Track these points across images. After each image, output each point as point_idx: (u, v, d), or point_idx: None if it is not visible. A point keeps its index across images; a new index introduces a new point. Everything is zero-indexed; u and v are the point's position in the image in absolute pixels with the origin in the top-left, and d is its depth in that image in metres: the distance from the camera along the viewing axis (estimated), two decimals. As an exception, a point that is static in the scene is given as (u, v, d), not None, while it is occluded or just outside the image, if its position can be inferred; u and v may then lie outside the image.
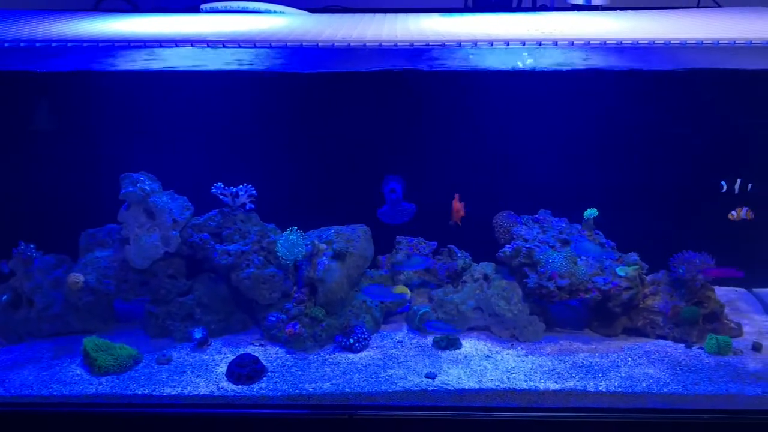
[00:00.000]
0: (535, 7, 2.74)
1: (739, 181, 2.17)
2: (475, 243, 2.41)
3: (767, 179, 2.32)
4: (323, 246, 2.23)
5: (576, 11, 2.50)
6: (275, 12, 2.45)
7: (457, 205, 2.24)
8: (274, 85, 2.28)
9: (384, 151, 2.46)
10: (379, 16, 2.29)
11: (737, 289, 2.59)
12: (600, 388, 2.02)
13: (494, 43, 1.68)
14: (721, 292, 2.52)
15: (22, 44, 1.73)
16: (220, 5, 2.50)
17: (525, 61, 1.92)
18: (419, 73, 2.15)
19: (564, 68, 1.99)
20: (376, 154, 2.46)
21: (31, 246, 2.23)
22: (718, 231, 2.42)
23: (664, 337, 2.28)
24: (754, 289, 2.57)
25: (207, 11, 2.49)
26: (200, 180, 2.24)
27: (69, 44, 1.73)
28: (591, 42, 1.70)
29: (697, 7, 2.73)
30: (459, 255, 2.36)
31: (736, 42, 1.68)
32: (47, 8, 2.54)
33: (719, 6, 2.66)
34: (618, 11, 2.45)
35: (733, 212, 2.21)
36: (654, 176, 2.42)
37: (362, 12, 2.42)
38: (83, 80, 2.14)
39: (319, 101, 2.39)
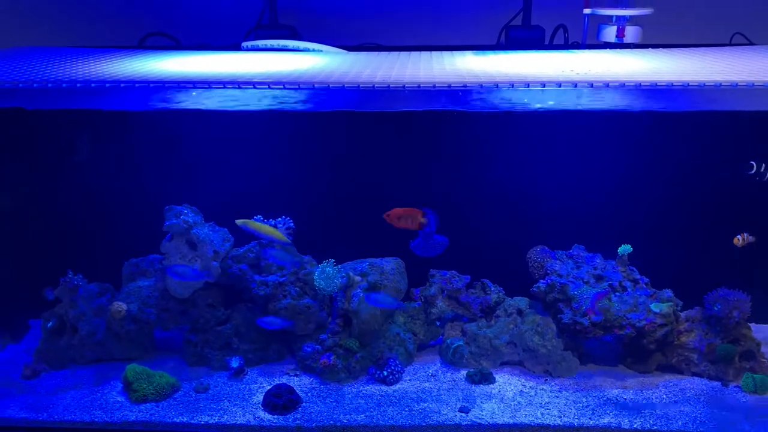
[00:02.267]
0: (567, 45, 2.78)
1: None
2: (508, 277, 2.42)
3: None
4: (358, 278, 2.27)
5: (608, 49, 2.54)
6: (314, 50, 2.53)
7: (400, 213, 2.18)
8: (314, 124, 2.35)
9: (419, 185, 2.51)
10: (414, 54, 2.35)
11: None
12: (635, 426, 2.01)
13: (531, 84, 1.73)
14: (757, 329, 2.51)
15: (78, 85, 1.82)
16: (260, 43, 2.59)
17: (557, 101, 1.96)
18: (457, 114, 2.20)
19: (599, 108, 2.02)
20: (411, 188, 2.50)
21: (79, 275, 2.31)
22: (753, 268, 2.42)
23: (700, 375, 2.27)
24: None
25: (248, 49, 2.57)
26: (240, 213, 2.31)
27: (122, 85, 1.82)
28: (626, 84, 1.74)
29: (729, 44, 2.76)
30: (492, 289, 2.38)
31: None
32: (92, 45, 2.66)
33: (752, 43, 2.68)
34: (650, 49, 2.49)
35: (738, 237, 2.20)
36: (688, 213, 2.43)
37: (396, 50, 2.49)
38: (136, 119, 2.23)
39: (357, 139, 2.45)
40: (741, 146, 2.37)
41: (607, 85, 1.71)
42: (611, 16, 2.61)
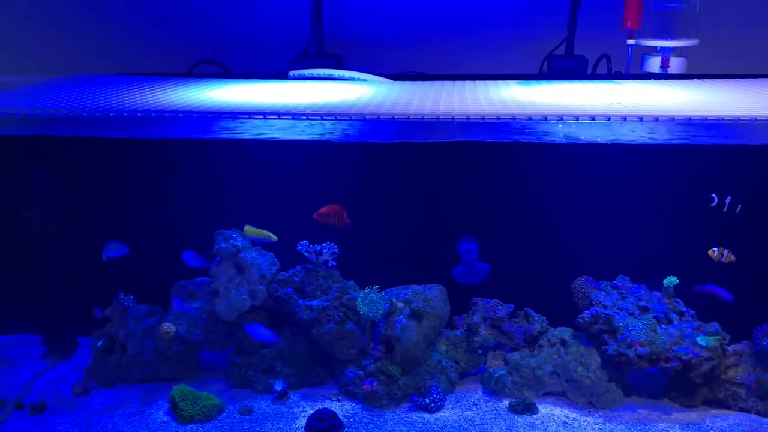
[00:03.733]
0: (610, 75, 2.79)
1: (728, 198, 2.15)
2: (551, 307, 2.42)
3: None
4: (401, 305, 2.29)
5: (652, 80, 2.54)
6: (359, 80, 2.58)
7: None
8: (362, 154, 2.39)
9: (465, 214, 2.53)
10: (458, 84, 2.39)
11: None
12: (682, 462, 1.98)
13: (580, 118, 1.74)
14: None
15: (138, 114, 1.89)
16: (306, 72, 2.65)
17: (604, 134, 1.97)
18: (505, 145, 2.23)
19: (646, 142, 2.03)
20: (453, 216, 2.52)
21: (129, 296, 2.37)
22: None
23: (748, 411, 2.22)
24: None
25: (294, 78, 2.64)
26: (287, 238, 2.35)
27: (180, 115, 1.89)
28: (676, 118, 1.74)
29: (775, 74, 2.73)
30: (536, 319, 2.38)
31: None
32: (143, 72, 2.76)
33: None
34: (695, 80, 2.49)
35: (714, 249, 2.15)
36: (734, 246, 2.40)
37: (437, 79, 2.53)
38: (190, 147, 2.31)
39: (403, 168, 2.49)
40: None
41: (656, 119, 1.72)
42: (655, 47, 2.62)
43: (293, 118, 1.90)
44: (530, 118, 1.76)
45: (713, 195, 2.19)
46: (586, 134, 2.08)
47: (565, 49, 2.83)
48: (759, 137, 2.06)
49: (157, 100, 2.04)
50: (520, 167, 2.42)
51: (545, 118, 1.76)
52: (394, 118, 1.83)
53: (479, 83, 2.40)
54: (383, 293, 2.37)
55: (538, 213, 2.46)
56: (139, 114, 1.89)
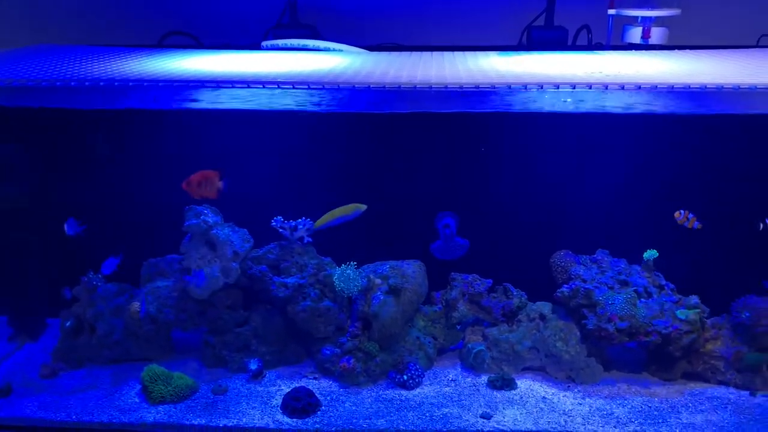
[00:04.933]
0: (590, 46, 2.74)
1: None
2: (531, 282, 2.39)
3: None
4: (378, 281, 2.24)
5: (633, 50, 2.50)
6: (334, 50, 2.51)
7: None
8: (338, 125, 2.32)
9: (442, 187, 2.48)
10: (436, 54, 2.32)
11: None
12: (661, 435, 1.97)
13: (560, 86, 1.69)
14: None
15: (101, 83, 1.80)
16: (280, 43, 2.57)
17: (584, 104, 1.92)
18: (482, 116, 2.17)
19: (626, 111, 1.99)
20: (434, 191, 2.47)
21: (98, 275, 2.30)
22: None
23: (726, 383, 2.22)
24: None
25: (267, 48, 2.55)
26: (261, 213, 2.29)
27: (145, 84, 1.80)
28: (659, 86, 1.70)
29: (756, 46, 2.71)
30: (515, 293, 2.35)
31: None
32: (112, 44, 2.65)
33: (779, 46, 2.63)
34: (676, 51, 2.45)
35: (681, 212, 2.13)
36: (717, 219, 2.38)
37: (416, 50, 2.46)
38: (158, 118, 2.22)
39: (380, 140, 2.42)
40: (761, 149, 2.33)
41: (639, 87, 1.67)
42: (636, 17, 2.58)
43: (263, 87, 1.82)
44: (510, 87, 1.71)
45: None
46: (566, 104, 2.04)
47: (545, 20, 2.77)
48: (743, 106, 2.04)
49: (123, 70, 1.95)
50: (499, 139, 2.37)
51: (525, 87, 1.71)
52: (369, 87, 1.77)
53: (458, 54, 2.34)
54: (361, 269, 2.32)
55: (517, 186, 2.42)
56: (101, 83, 1.81)
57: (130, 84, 1.79)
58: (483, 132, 2.37)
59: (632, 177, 2.34)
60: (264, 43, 2.60)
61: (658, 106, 1.71)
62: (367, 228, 2.50)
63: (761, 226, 2.23)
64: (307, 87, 1.77)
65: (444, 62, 2.13)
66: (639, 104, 1.93)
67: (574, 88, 1.69)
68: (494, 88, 1.72)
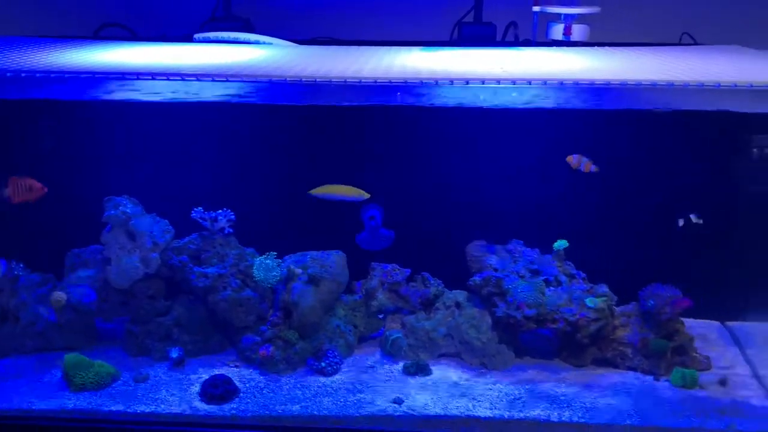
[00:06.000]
0: (518, 42, 2.81)
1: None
2: (452, 272, 2.45)
3: (731, 215, 2.38)
4: (298, 271, 2.29)
5: (554, 47, 2.57)
6: (264, 43, 2.55)
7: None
8: (257, 117, 2.36)
9: (363, 180, 2.53)
10: (363, 49, 2.37)
11: (711, 322, 2.61)
12: (563, 418, 2.05)
13: (455, 81, 1.75)
14: (694, 325, 2.55)
15: (22, 75, 1.82)
16: (212, 35, 2.60)
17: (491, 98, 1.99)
18: (396, 108, 2.23)
19: (526, 106, 2.06)
20: (356, 183, 2.52)
21: (20, 265, 2.32)
22: (693, 264, 2.47)
23: (634, 369, 2.30)
24: (728, 323, 2.59)
25: (200, 41, 2.59)
26: (183, 204, 2.32)
27: (66, 75, 1.83)
28: (548, 82, 1.76)
29: (679, 44, 2.79)
30: (432, 282, 2.41)
31: (689, 84, 1.73)
32: (47, 35, 2.66)
33: (696, 43, 2.72)
34: (595, 47, 2.52)
35: (574, 156, 2.20)
36: (627, 209, 2.47)
37: (350, 44, 2.51)
38: (79, 109, 2.25)
39: (300, 132, 2.47)
40: (669, 143, 2.42)
41: (529, 82, 1.74)
42: (560, 14, 2.65)
43: (183, 80, 1.86)
44: (406, 82, 1.76)
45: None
46: (475, 99, 2.11)
47: (474, 17, 2.84)
48: (640, 102, 2.12)
49: (50, 62, 1.96)
50: (415, 132, 2.43)
51: (421, 83, 1.77)
52: (286, 80, 1.80)
53: (384, 49, 2.39)
54: (283, 260, 2.37)
55: (437, 179, 2.48)
56: (23, 74, 1.82)
57: (38, 75, 1.81)
58: (401, 125, 2.43)
59: (545, 169, 2.41)
60: (197, 36, 2.63)
61: (550, 101, 1.78)
62: (294, 219, 2.55)
63: (681, 222, 2.31)
64: (225, 80, 1.80)
65: (365, 57, 2.17)
66: (539, 99, 2.01)
67: (467, 83, 1.75)
68: (406, 82, 1.76)
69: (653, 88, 1.74)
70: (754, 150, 2.34)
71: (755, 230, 2.34)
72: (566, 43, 2.62)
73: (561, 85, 1.74)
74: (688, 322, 2.54)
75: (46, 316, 2.29)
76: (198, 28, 2.81)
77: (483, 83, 1.73)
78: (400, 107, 2.15)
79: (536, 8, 2.70)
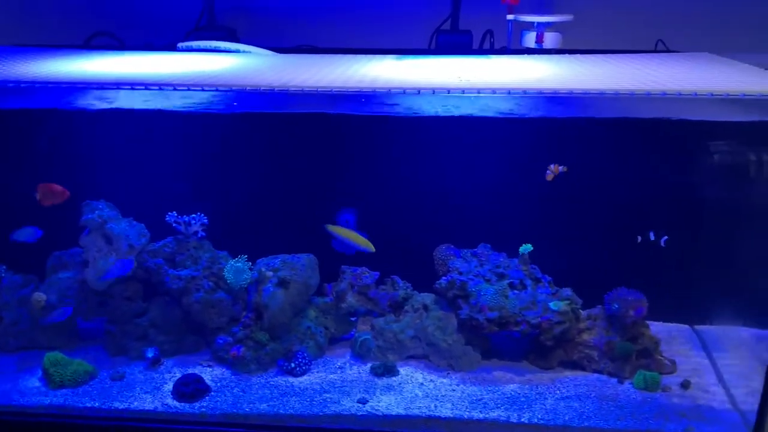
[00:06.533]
0: (492, 50, 2.86)
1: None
2: (421, 275, 2.50)
3: (692, 224, 2.41)
4: (269, 273, 2.36)
5: (526, 54, 2.61)
6: (243, 52, 2.62)
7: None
8: (228, 124, 2.44)
9: (338, 185, 2.60)
10: (339, 57, 2.42)
11: (680, 325, 2.63)
12: (522, 419, 2.09)
13: (406, 90, 1.80)
14: (663, 328, 2.59)
15: (9, 85, 1.90)
16: (194, 44, 2.68)
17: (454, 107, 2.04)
18: (364, 117, 2.31)
19: (491, 115, 2.12)
20: (330, 189, 2.59)
21: (2, 266, 2.41)
22: (663, 269, 2.49)
23: (600, 372, 2.34)
24: (697, 327, 2.61)
25: (182, 50, 2.67)
26: (157, 209, 2.40)
27: (49, 85, 1.91)
28: (512, 92, 1.80)
29: (655, 51, 2.82)
30: (401, 285, 2.46)
31: (651, 93, 1.76)
32: (40, 43, 2.76)
33: (669, 50, 2.74)
34: (566, 55, 2.56)
35: (551, 167, 2.25)
36: (596, 214, 2.50)
37: (331, 53, 2.57)
38: (55, 117, 2.33)
39: (272, 139, 2.54)
40: (635, 149, 2.45)
41: (494, 91, 1.78)
42: (532, 22, 2.69)
43: (146, 89, 1.92)
44: (389, 91, 1.80)
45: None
46: (438, 107, 2.17)
47: (450, 25, 2.89)
48: (602, 110, 2.16)
49: (23, 72, 2.05)
50: (389, 140, 2.49)
51: (374, 92, 1.82)
52: (259, 89, 1.84)
53: (360, 57, 2.43)
54: (256, 262, 2.43)
55: (408, 185, 2.54)
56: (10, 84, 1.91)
57: (9, 85, 1.90)
58: (373, 133, 2.49)
59: (512, 176, 2.46)
60: (180, 45, 2.71)
61: (502, 109, 1.83)
62: (272, 224, 2.62)
63: (639, 239, 2.34)
64: (186, 89, 1.86)
65: (336, 65, 2.22)
66: (490, 108, 2.07)
67: (433, 93, 1.80)
68: (374, 91, 1.80)
69: (600, 96, 1.78)
70: (717, 156, 2.36)
71: (724, 235, 2.36)
72: (538, 51, 2.66)
73: (509, 94, 1.78)
74: (658, 325, 2.58)
75: (27, 316, 2.38)
76: (183, 37, 2.90)
77: (419, 93, 1.78)
78: (367, 116, 2.22)
79: (510, 17, 2.75)
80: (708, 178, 2.41)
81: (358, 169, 2.56)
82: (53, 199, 2.35)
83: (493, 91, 1.79)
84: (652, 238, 2.26)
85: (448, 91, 1.79)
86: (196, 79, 1.96)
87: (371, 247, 2.40)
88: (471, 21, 2.88)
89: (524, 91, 1.78)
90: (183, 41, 2.75)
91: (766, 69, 2.01)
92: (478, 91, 1.79)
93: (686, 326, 2.63)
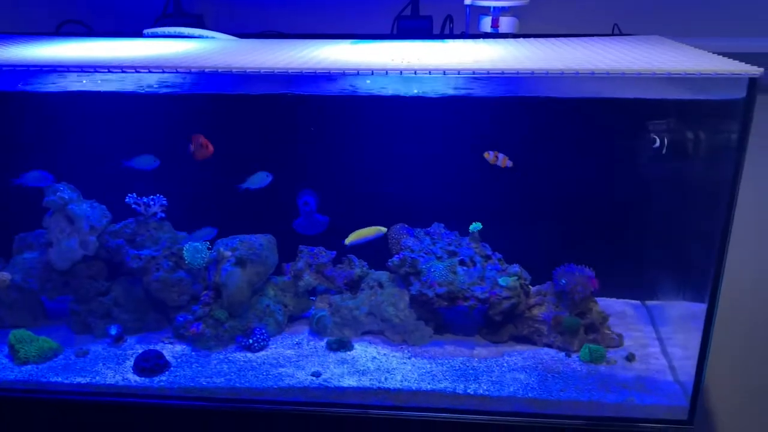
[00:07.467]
0: (452, 34, 2.91)
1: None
2: (377, 254, 2.57)
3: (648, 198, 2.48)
4: (228, 253, 2.43)
5: (482, 39, 2.67)
6: (207, 37, 2.68)
7: None
8: (191, 106, 2.50)
9: (297, 167, 2.66)
10: (298, 42, 2.47)
11: (632, 301, 2.70)
12: (468, 391, 2.16)
13: (346, 71, 1.87)
14: (614, 303, 2.67)
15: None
16: (159, 30, 2.74)
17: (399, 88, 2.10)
18: (324, 98, 2.37)
19: (434, 95, 2.17)
20: (290, 170, 2.65)
21: (-30, 246, 2.49)
22: (613, 246, 2.57)
23: (550, 346, 2.41)
24: (647, 302, 2.68)
25: (148, 36, 2.73)
26: (119, 190, 2.47)
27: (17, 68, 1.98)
28: (447, 72, 1.87)
29: (612, 34, 2.87)
30: (357, 264, 2.53)
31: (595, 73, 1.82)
32: (10, 30, 2.82)
33: (622, 34, 2.80)
34: (520, 39, 2.62)
35: (489, 153, 2.31)
36: (546, 193, 2.57)
37: (295, 38, 2.63)
38: (20, 100, 2.38)
39: (232, 120, 2.61)
40: (582, 129, 2.51)
41: (415, 72, 1.85)
42: (489, 7, 2.74)
43: (109, 71, 1.98)
44: (344, 72, 1.87)
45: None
46: (387, 88, 2.23)
47: (411, 10, 2.94)
48: (529, 89, 2.22)
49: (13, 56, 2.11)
50: (345, 121, 2.55)
51: (314, 72, 1.88)
52: (217, 71, 1.91)
53: (320, 42, 2.49)
54: (216, 243, 2.50)
55: (363, 166, 2.60)
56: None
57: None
58: (330, 115, 2.55)
59: (463, 156, 2.52)
60: (146, 31, 2.77)
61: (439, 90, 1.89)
62: (233, 205, 2.68)
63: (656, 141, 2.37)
64: (147, 71, 1.92)
65: (290, 49, 2.27)
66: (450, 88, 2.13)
67: (372, 73, 1.86)
68: (329, 72, 1.87)
69: (544, 75, 1.83)
70: (663, 134, 2.42)
71: (672, 213, 2.43)
72: (494, 35, 2.72)
73: (444, 74, 1.84)
74: (609, 301, 2.66)
75: (-5, 295, 2.45)
76: (152, 23, 2.95)
77: (358, 74, 1.85)
78: (322, 96, 2.27)
79: (468, 1, 2.80)
80: (654, 155, 2.47)
81: (315, 150, 2.63)
82: (205, 153, 2.38)
83: (429, 71, 1.85)
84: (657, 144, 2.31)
85: (386, 72, 1.86)
86: (158, 61, 2.02)
87: (383, 230, 2.50)
88: (432, 7, 2.93)
89: (458, 71, 1.85)
90: (149, 28, 2.80)
91: (712, 52, 2.07)
92: (415, 71, 1.85)
93: (638, 302, 2.70)
